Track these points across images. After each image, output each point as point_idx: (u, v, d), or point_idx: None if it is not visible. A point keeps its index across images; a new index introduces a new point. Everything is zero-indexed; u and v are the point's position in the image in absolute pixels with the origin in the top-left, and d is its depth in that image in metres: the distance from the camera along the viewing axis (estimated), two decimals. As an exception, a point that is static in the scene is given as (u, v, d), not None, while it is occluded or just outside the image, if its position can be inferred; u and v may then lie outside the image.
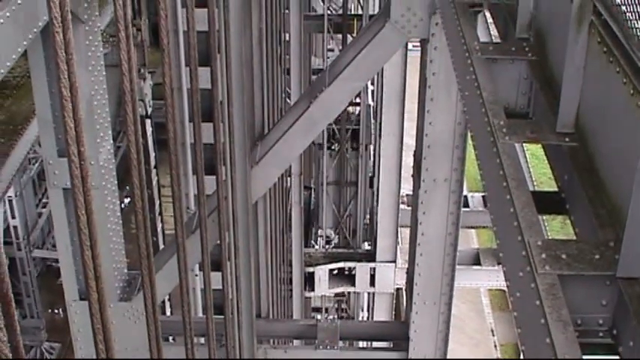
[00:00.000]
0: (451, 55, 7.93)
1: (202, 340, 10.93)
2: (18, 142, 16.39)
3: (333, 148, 21.66)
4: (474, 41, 6.80)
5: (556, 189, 5.96)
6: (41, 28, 7.96)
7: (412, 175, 11.09)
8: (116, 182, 10.10)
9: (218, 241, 9.94)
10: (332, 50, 23.97)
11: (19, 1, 7.46)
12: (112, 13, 8.06)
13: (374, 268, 18.10)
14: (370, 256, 18.25)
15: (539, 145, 6.11)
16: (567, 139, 5.57)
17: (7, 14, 7.25)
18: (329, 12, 21.29)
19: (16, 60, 7.51)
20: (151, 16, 17.04)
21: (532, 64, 6.64)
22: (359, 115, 21.46)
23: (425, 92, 9.71)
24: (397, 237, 18.02)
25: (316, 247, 22.07)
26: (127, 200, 25.68)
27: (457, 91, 8.20)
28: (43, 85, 9.12)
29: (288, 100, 17.88)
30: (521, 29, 6.97)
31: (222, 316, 9.99)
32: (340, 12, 22.20)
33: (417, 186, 10.51)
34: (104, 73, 9.51)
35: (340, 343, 11.56)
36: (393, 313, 19.92)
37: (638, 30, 4.47)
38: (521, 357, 7.35)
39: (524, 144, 7.25)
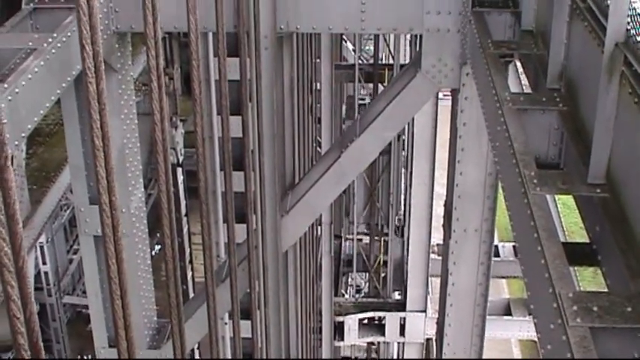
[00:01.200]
0: (482, 105, 7.93)
1: (231, 389, 10.88)
2: (50, 189, 16.50)
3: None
4: (505, 91, 6.79)
5: (587, 240, 5.91)
6: (75, 76, 8.06)
7: (443, 225, 11.05)
8: (147, 230, 10.14)
9: (248, 290, 9.93)
10: (363, 99, 24.02)
11: (53, 50, 7.57)
12: (145, 62, 8.14)
13: (404, 318, 17.98)
14: (400, 306, 18.14)
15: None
16: (598, 191, 5.53)
17: (42, 63, 7.35)
18: (360, 61, 21.37)
19: (50, 108, 7.61)
20: (183, 65, 17.16)
21: (563, 115, 6.62)
22: (390, 163, 21.46)
23: (456, 142, 9.70)
24: (428, 287, 17.90)
25: (346, 296, 21.97)
26: (157, 247, 25.72)
27: (488, 141, 8.19)
28: (76, 133, 9.21)
29: (319, 149, 17.90)
30: (552, 80, 6.97)
31: (252, 365, 9.96)
32: (371, 61, 22.31)
33: (447, 236, 10.46)
34: (136, 121, 9.60)
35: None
36: (424, 363, 19.75)
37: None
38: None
39: (555, 194, 7.21)
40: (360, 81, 20.25)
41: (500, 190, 8.93)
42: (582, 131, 6.23)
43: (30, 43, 7.66)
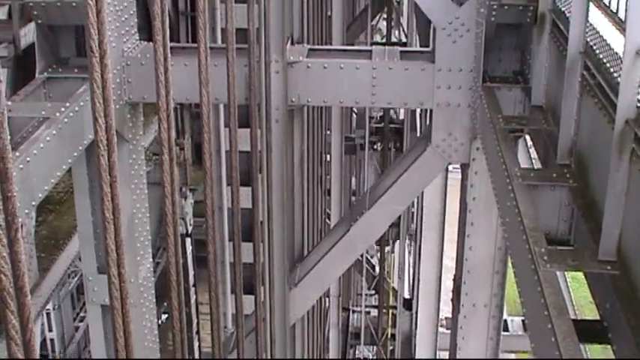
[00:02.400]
0: (492, 180, 7.94)
1: None
2: (59, 257, 16.47)
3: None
4: (515, 167, 6.81)
5: (598, 317, 5.87)
6: (86, 145, 8.11)
7: (452, 299, 10.98)
8: (154, 299, 10.10)
9: (255, 362, 9.85)
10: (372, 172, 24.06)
11: (65, 120, 7.63)
12: (156, 132, 8.18)
13: (412, 392, 17.81)
14: (408, 380, 17.98)
15: (581, 271, 6.04)
16: (609, 268, 5.51)
17: (54, 132, 7.39)
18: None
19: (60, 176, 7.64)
20: (194, 135, 17.28)
21: (573, 191, 6.62)
22: (399, 235, 21.42)
23: (465, 216, 9.68)
24: (436, 361, 17.75)
25: (354, 369, 21.76)
26: (164, 316, 25.59)
27: (498, 216, 8.18)
28: (86, 202, 9.23)
29: (328, 222, 17.90)
30: (562, 155, 6.98)
31: None
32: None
33: (456, 310, 10.39)
34: (146, 191, 9.62)
35: None
36: None
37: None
38: None
39: (565, 270, 7.18)
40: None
41: (509, 265, 8.89)
42: (593, 207, 6.22)
43: (43, 112, 7.72)
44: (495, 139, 7.62)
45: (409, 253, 23.22)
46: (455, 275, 10.63)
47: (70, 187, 14.38)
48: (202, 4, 6.28)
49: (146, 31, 10.98)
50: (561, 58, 7.34)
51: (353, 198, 21.95)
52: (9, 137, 3.61)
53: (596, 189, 6.23)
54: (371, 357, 25.26)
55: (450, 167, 15.48)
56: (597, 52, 6.58)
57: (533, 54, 8.42)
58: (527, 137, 9.40)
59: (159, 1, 5.15)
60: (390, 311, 21.68)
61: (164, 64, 5.66)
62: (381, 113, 21.82)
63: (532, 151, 10.12)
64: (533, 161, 11.60)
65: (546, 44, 8.08)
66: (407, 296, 22.27)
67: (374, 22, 24.16)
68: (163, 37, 5.47)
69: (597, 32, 6.71)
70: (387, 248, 21.88)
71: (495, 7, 8.54)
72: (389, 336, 21.71)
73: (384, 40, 24.02)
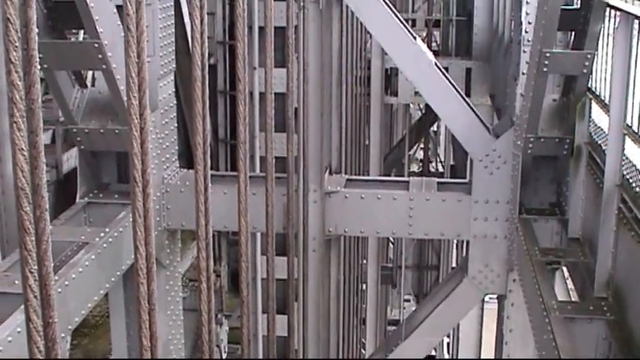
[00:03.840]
0: (528, 312, 7.88)
1: None
2: (93, 382, 16.43)
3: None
4: (552, 299, 6.77)
5: None
6: (124, 271, 8.17)
7: None
8: None
9: None
10: (408, 301, 23.93)
11: (104, 245, 7.71)
12: (193, 258, 8.25)
13: None
14: None
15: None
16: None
17: (93, 257, 7.47)
18: (406, 264, 21.43)
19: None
20: (230, 262, 17.35)
21: (611, 324, 6.55)
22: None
23: (501, 348, 9.57)
24: None
25: None
26: None
27: (534, 348, 8.09)
28: (121, 327, 9.24)
29: (363, 351, 17.72)
30: (599, 288, 6.94)
31: None
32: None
33: None
34: (182, 317, 9.63)
35: None
36: None
37: None
38: None
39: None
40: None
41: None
42: (630, 341, 6.15)
43: (82, 237, 7.82)
44: (532, 271, 7.61)
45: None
46: (492, 409, 10.44)
47: (106, 310, 14.42)
48: (243, 134, 6.42)
49: (185, 157, 11.20)
50: (598, 191, 7.37)
51: (389, 328, 21.74)
52: (52, 263, 3.68)
53: (634, 323, 6.16)
54: None
55: (487, 297, 15.42)
56: (634, 185, 6.62)
57: (569, 186, 8.45)
58: (565, 269, 9.35)
59: (201, 131, 5.28)
60: None
61: (204, 194, 5.75)
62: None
63: (569, 282, 10.06)
64: (571, 293, 11.51)
65: (583, 176, 8.13)
66: None
67: (411, 152, 24.40)
68: (204, 167, 5.57)
69: (634, 165, 6.76)
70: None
71: (532, 139, 8.62)
72: None
73: (421, 170, 24.22)
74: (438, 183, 9.54)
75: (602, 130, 8.04)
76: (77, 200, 8.80)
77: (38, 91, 3.29)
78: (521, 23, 8.71)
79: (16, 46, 3.11)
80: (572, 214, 8.33)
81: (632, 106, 6.76)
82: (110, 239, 7.87)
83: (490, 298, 17.01)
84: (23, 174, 3.14)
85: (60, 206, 9.50)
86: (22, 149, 3.12)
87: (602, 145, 7.77)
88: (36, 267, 3.49)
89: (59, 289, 6.84)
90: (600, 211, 6.95)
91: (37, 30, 3.30)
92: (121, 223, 8.13)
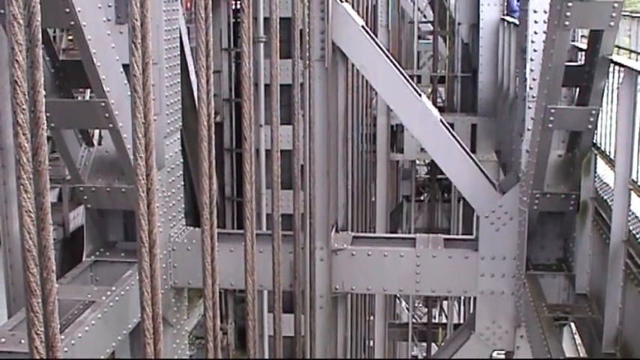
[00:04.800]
0: (537, 369, 7.83)
1: None
2: None
3: None
4: (560, 356, 6.74)
5: None
6: (131, 329, 8.14)
7: None
8: None
9: None
10: (416, 358, 23.77)
11: (111, 304, 7.69)
12: (199, 316, 8.22)
13: None
14: None
15: None
16: None
17: (99, 315, 7.45)
18: (414, 320, 21.32)
19: (104, 361, 7.64)
20: (237, 319, 17.27)
21: (620, 382, 6.51)
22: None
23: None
24: None
25: None
26: None
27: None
28: (130, 386, 9.19)
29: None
30: (607, 344, 6.90)
31: None
32: (425, 320, 22.23)
33: None
34: (189, 378, 9.56)
35: None
36: None
37: None
38: None
39: None
40: (413, 340, 20.10)
41: None
42: (640, 399, 6.11)
43: (89, 295, 7.80)
44: (540, 327, 7.57)
45: None
46: None
47: (112, 370, 14.32)
48: (249, 193, 6.44)
49: (192, 215, 11.21)
50: (604, 246, 7.36)
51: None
52: (58, 324, 3.68)
53: (643, 380, 6.12)
54: None
55: (495, 353, 15.30)
56: (640, 240, 6.61)
57: (576, 242, 8.44)
58: (572, 325, 9.31)
59: (207, 191, 5.30)
60: None
61: (211, 253, 5.76)
62: (425, 320, 21.80)
63: (577, 338, 10.00)
64: (579, 349, 11.43)
65: (589, 232, 8.12)
66: None
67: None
68: (211, 227, 5.58)
69: (640, 221, 6.76)
70: None
71: (538, 195, 8.63)
72: None
73: (427, 226, 24.17)
74: (445, 239, 9.54)
75: (607, 185, 8.05)
76: (84, 259, 8.79)
77: (45, 154, 3.31)
78: (525, 79, 8.77)
79: (24, 109, 3.14)
80: (579, 269, 8.30)
81: (638, 161, 6.77)
82: (117, 298, 7.85)
83: (498, 353, 16.90)
84: (30, 236, 3.16)
85: (66, 264, 9.49)
86: (29, 211, 3.14)
87: (608, 200, 7.77)
88: (42, 329, 3.49)
89: (65, 349, 6.82)
90: (607, 266, 6.94)
91: (44, 92, 3.34)
92: (127, 282, 8.11)
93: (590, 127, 8.00)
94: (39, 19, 3.29)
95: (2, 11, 6.37)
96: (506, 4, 17.90)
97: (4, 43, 7.39)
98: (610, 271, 6.88)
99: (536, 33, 8.58)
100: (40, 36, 3.34)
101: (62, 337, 6.91)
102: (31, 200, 3.17)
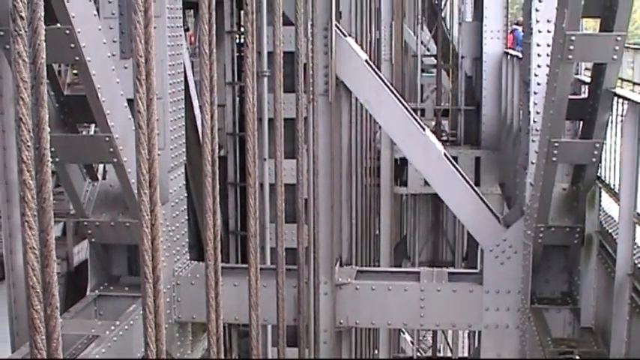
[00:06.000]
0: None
1: None
2: None
3: None
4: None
5: None
6: (134, 365, 8.11)
7: None
8: None
9: None
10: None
11: (114, 338, 7.68)
12: (204, 350, 8.16)
13: None
14: None
15: None
16: None
17: (103, 350, 7.45)
18: (418, 354, 21.25)
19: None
20: (241, 353, 17.21)
21: None
22: None
23: None
24: None
25: None
26: None
27: None
28: None
29: None
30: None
31: None
32: (429, 354, 22.14)
33: None
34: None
35: None
36: None
37: None
38: None
39: None
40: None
41: None
42: None
43: (93, 330, 7.79)
44: (546, 363, 7.54)
45: None
46: None
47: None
48: (253, 228, 6.43)
49: (196, 249, 11.20)
50: (609, 280, 7.34)
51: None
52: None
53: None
54: None
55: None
56: (646, 274, 6.59)
57: (581, 275, 8.42)
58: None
59: (212, 226, 5.30)
60: None
61: (215, 288, 5.74)
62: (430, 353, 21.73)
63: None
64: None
65: (594, 265, 8.10)
66: None
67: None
68: (215, 262, 5.57)
69: (645, 254, 6.75)
70: None
71: (542, 229, 8.62)
72: None
73: (431, 260, 24.15)
74: (449, 273, 9.52)
75: (612, 218, 8.04)
76: (87, 293, 8.79)
77: (50, 190, 3.32)
78: (529, 113, 8.78)
79: (29, 146, 3.15)
80: (584, 303, 8.28)
81: (643, 194, 6.78)
82: (120, 332, 7.84)
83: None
84: (34, 272, 3.16)
85: (70, 299, 9.48)
86: (34, 247, 3.14)
87: (613, 233, 7.76)
88: (46, 365, 3.48)
89: (70, 384, 6.81)
90: (612, 300, 6.92)
91: (49, 129, 3.35)
92: (131, 316, 8.10)
93: (594, 160, 8.00)
94: (44, 56, 3.31)
95: (8, 47, 6.43)
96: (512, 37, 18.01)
97: (9, 76, 7.44)
98: (615, 304, 6.86)
99: (539, 66, 8.60)
100: (44, 73, 3.36)
101: (66, 371, 6.89)
102: (35, 237, 3.17)
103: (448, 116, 20.56)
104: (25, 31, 3.13)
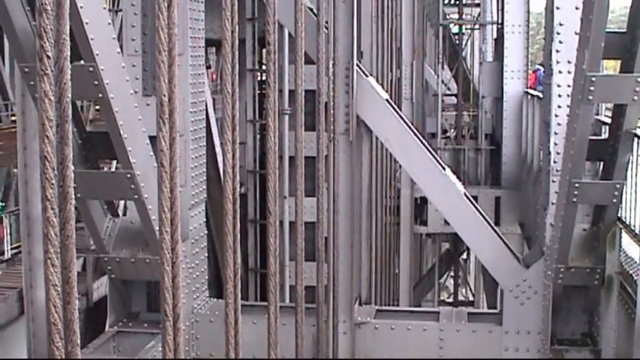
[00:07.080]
0: None
1: None
2: None
3: None
4: None
5: None
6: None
7: None
8: None
9: None
10: None
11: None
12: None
13: None
14: None
15: None
16: None
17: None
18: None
19: None
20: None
21: None
22: None
23: None
24: None
25: None
26: None
27: None
28: None
29: None
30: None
31: None
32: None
33: None
34: None
35: None
36: None
37: None
38: None
39: None
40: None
41: None
42: None
43: (111, 367, 7.80)
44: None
45: None
46: None
47: None
48: (273, 266, 6.44)
49: (215, 285, 11.20)
50: (630, 321, 7.30)
51: None
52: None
53: None
54: None
55: None
56: (667, 316, 6.55)
57: (601, 316, 8.38)
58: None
59: (232, 265, 5.31)
60: None
61: (234, 326, 5.73)
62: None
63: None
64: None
65: (615, 306, 8.06)
66: None
67: (441, 280, 24.28)
68: (235, 300, 5.57)
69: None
70: None
71: (562, 269, 8.58)
72: None
73: (451, 299, 24.07)
74: (469, 313, 9.48)
75: (633, 260, 8.01)
76: (106, 329, 8.80)
77: (73, 228, 3.34)
78: (549, 153, 8.78)
79: (52, 184, 3.18)
80: (604, 344, 8.23)
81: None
82: (139, 369, 7.85)
83: None
84: (56, 309, 3.17)
85: (89, 334, 9.49)
86: (56, 285, 3.16)
87: (634, 274, 7.72)
88: (66, 401, 3.48)
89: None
90: (633, 341, 6.87)
91: (72, 167, 3.38)
92: (149, 353, 8.10)
93: (614, 200, 7.98)
94: (69, 95, 3.35)
95: (32, 83, 6.50)
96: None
97: (33, 111, 7.51)
98: (636, 345, 6.82)
99: (559, 107, 8.61)
100: (70, 112, 3.40)
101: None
102: (57, 274, 3.19)
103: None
104: (52, 70, 3.17)
